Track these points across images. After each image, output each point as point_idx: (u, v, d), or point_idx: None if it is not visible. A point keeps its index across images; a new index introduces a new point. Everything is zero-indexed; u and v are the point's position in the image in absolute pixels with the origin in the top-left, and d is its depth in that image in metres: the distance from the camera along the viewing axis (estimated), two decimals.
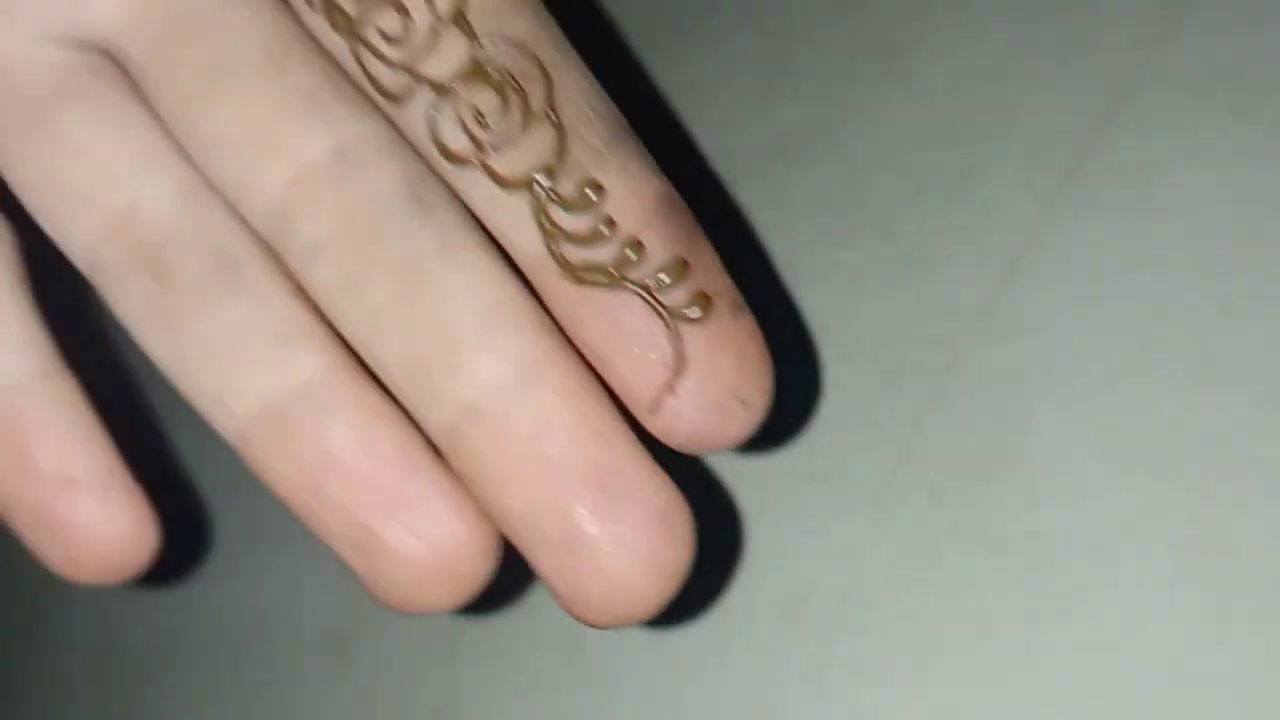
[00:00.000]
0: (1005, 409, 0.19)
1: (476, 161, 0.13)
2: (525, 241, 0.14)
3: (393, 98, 0.14)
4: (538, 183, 0.13)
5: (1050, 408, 0.19)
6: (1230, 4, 0.19)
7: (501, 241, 0.14)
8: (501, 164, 0.13)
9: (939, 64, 0.21)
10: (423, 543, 0.13)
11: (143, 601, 0.26)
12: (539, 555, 0.13)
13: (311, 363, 0.14)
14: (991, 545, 0.19)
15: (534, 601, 0.21)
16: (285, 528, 0.15)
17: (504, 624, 0.21)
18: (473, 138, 0.13)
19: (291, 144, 0.14)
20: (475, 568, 0.13)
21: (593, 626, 0.13)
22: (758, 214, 0.22)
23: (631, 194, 0.13)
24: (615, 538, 0.13)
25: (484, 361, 0.13)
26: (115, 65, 0.14)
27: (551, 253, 0.13)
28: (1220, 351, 0.18)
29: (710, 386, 0.13)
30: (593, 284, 0.13)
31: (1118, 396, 0.18)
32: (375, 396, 0.14)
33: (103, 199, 0.14)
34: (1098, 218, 0.19)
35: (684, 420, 0.13)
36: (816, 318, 0.21)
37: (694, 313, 0.13)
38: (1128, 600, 0.18)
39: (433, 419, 0.13)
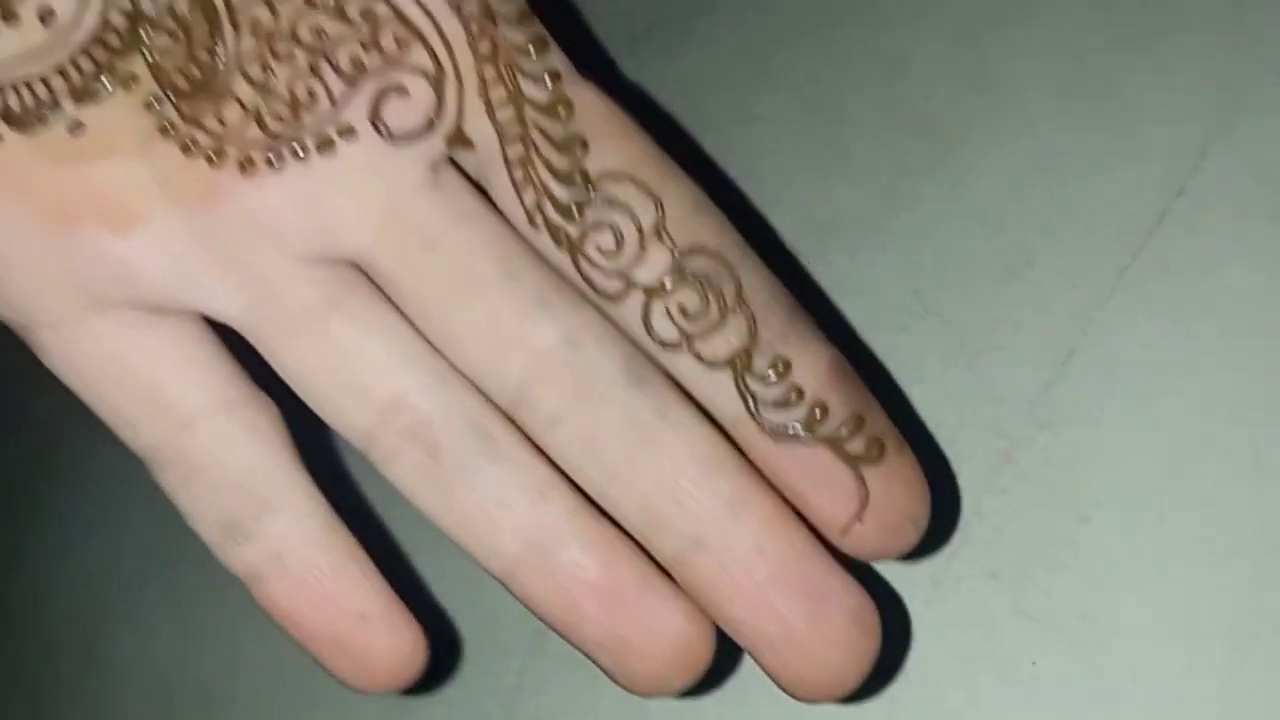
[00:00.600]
0: (1062, 495, 0.20)
1: (685, 348, 0.16)
2: (727, 406, 0.16)
3: (609, 298, 0.16)
4: (737, 363, 0.16)
5: (1105, 496, 0.20)
6: (1278, 112, 0.20)
7: (705, 405, 0.17)
8: (705, 348, 0.16)
9: (992, 156, 0.22)
10: (661, 644, 0.16)
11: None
12: (761, 651, 0.16)
13: (560, 509, 0.17)
14: (1048, 627, 0.19)
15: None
16: None
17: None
18: (680, 330, 0.16)
19: (526, 336, 0.16)
20: (701, 658, 0.17)
21: (806, 703, 0.16)
22: (812, 295, 0.23)
23: (811, 364, 0.16)
24: (824, 636, 0.16)
25: (702, 502, 0.16)
26: (366, 277, 0.17)
27: (753, 417, 0.16)
28: (1268, 447, 0.19)
29: (888, 513, 0.16)
30: (790, 441, 0.16)
31: (1170, 487, 0.19)
32: (613, 532, 0.17)
33: (373, 391, 0.17)
34: (1150, 313, 0.20)
35: (867, 541, 0.16)
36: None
37: (871, 456, 0.16)
38: (1182, 686, 0.18)
39: (664, 549, 0.16)
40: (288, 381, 0.17)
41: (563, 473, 0.17)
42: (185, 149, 0.16)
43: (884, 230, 0.23)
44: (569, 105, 0.16)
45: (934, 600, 0.20)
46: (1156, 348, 0.20)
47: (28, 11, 0.16)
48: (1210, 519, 0.19)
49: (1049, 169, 0.21)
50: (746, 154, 0.25)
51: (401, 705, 0.25)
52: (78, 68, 0.16)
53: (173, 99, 0.16)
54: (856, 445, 0.16)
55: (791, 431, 0.16)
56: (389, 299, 0.17)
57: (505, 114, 0.16)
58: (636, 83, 0.27)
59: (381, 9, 0.16)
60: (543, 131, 0.16)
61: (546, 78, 0.16)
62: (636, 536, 0.17)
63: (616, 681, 0.17)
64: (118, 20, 0.16)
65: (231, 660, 0.31)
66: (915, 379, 0.21)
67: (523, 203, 0.16)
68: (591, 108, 0.16)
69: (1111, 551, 0.19)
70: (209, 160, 0.16)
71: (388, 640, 0.17)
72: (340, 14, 0.16)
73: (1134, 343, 0.20)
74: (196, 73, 0.16)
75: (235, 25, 0.16)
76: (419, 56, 0.16)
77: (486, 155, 0.16)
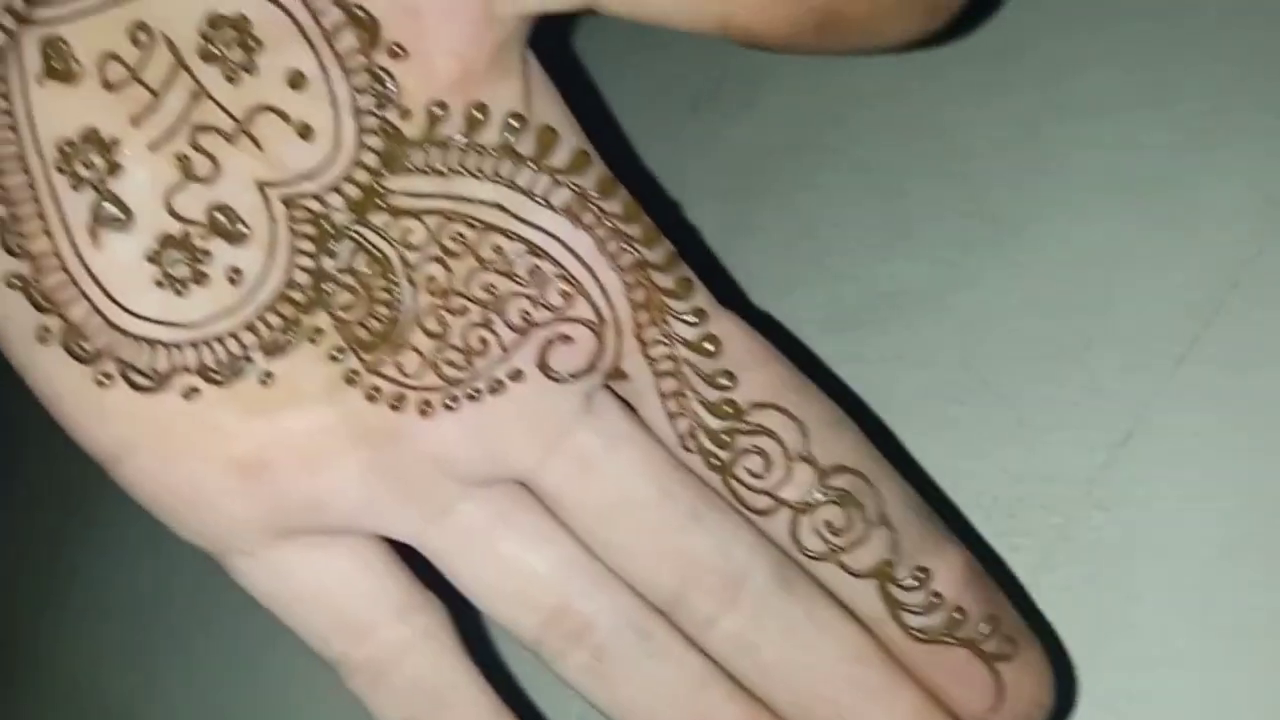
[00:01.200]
0: (1115, 575, 0.20)
1: (831, 560, 0.18)
2: (871, 609, 0.18)
3: (759, 513, 0.18)
4: (880, 573, 0.18)
5: (1157, 577, 0.20)
6: None
7: (850, 606, 0.18)
8: (851, 560, 0.18)
9: (1051, 241, 0.23)
10: None
11: None
12: None
13: (719, 695, 0.18)
14: (1098, 705, 0.20)
15: None
16: None
17: None
18: (827, 543, 0.18)
19: (681, 547, 0.18)
20: None
21: None
22: (872, 365, 0.24)
23: (948, 569, 0.18)
24: None
25: (855, 697, 0.18)
26: (530, 492, 0.18)
27: (898, 622, 0.18)
28: None
29: (1018, 702, 0.18)
30: (932, 642, 0.18)
31: (1219, 574, 0.20)
32: (769, 714, 0.18)
33: (539, 600, 0.18)
34: (1205, 401, 0.21)
35: None
36: (930, 472, 0.22)
37: (1005, 653, 0.18)
38: None
39: None
40: (459, 589, 0.19)
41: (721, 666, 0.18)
42: (370, 397, 0.17)
43: (944, 306, 0.23)
44: (716, 341, 0.18)
45: None
46: (1210, 435, 0.21)
47: (217, 272, 0.17)
48: (1259, 604, 0.20)
49: (1107, 258, 0.22)
50: (808, 222, 0.25)
51: None
52: (266, 323, 0.17)
53: (356, 350, 0.17)
54: (992, 645, 0.18)
55: (934, 636, 0.18)
56: (551, 512, 0.18)
57: (658, 351, 0.17)
58: (697, 145, 0.28)
59: (548, 266, 0.17)
60: (693, 366, 0.17)
61: (694, 317, 0.17)
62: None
63: None
64: (302, 278, 0.17)
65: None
66: (973, 454, 0.22)
67: (675, 430, 0.18)
68: (734, 339, 0.18)
69: (1162, 632, 0.20)
70: (393, 406, 0.17)
71: None
72: (509, 272, 0.17)
73: (1189, 429, 0.21)
74: (377, 325, 0.17)
75: (412, 282, 0.17)
76: (581, 308, 0.17)
77: (640, 385, 0.18)
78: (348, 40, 0.16)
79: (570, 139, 0.17)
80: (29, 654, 0.41)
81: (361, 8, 0.16)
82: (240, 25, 0.16)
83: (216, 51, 0.16)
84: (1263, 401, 0.20)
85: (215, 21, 0.16)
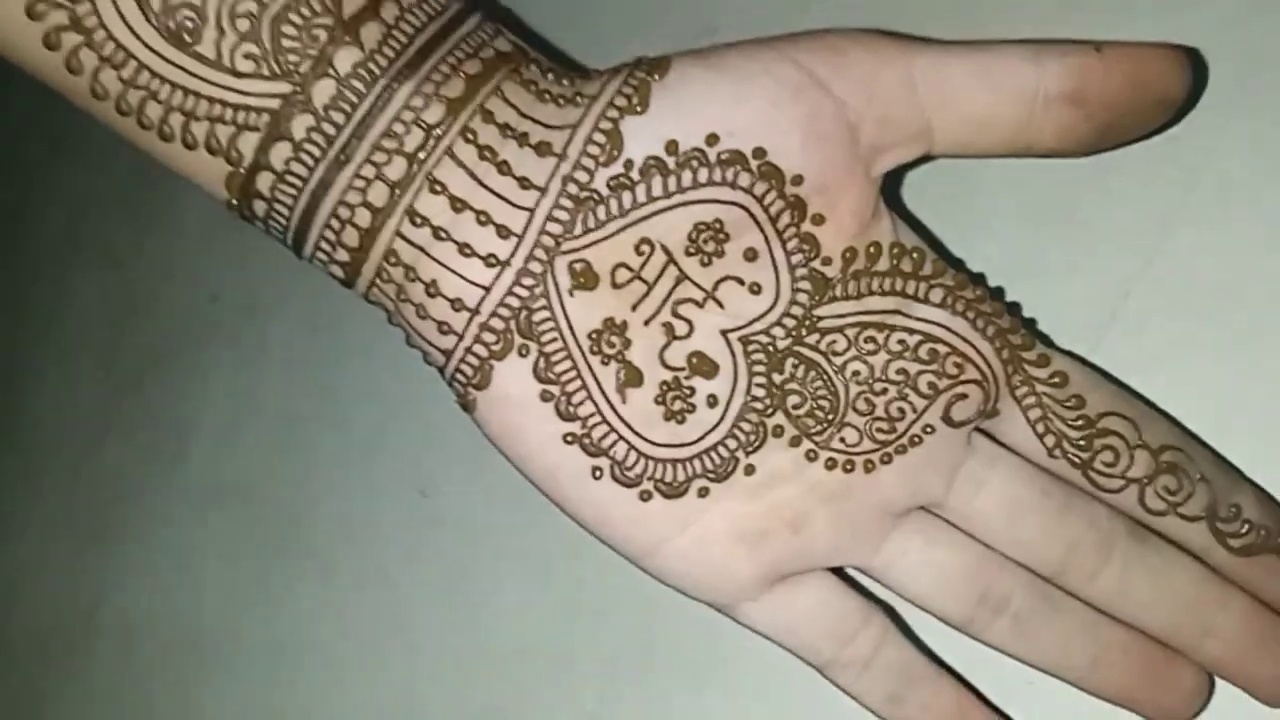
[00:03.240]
0: None
1: (1172, 513, 0.23)
2: (1204, 542, 0.23)
3: (1114, 492, 0.24)
4: (1207, 515, 0.23)
5: None
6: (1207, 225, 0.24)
7: (1185, 545, 0.24)
8: (1186, 509, 0.23)
9: (965, 256, 0.26)
10: (1185, 689, 0.24)
11: None
12: (1251, 686, 0.23)
13: (1111, 635, 0.24)
14: None
15: None
16: None
17: None
18: (1167, 502, 0.23)
19: (1062, 527, 0.24)
20: (1205, 697, 0.24)
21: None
22: None
23: (1251, 501, 0.23)
24: None
25: (1205, 606, 0.23)
26: (928, 512, 0.24)
27: (1226, 547, 0.23)
28: None
29: None
30: (1251, 555, 0.23)
31: None
32: (1145, 637, 0.24)
33: (968, 589, 0.24)
34: None
35: None
36: None
37: None
38: None
39: (1185, 642, 0.23)
40: (899, 594, 0.24)
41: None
42: (828, 467, 0.23)
43: None
44: (1063, 375, 0.23)
45: None
46: None
47: (700, 401, 0.23)
48: None
49: (1015, 272, 0.26)
50: None
51: None
52: (742, 430, 0.23)
53: (809, 436, 0.23)
54: None
55: (1251, 551, 0.23)
56: (951, 524, 0.24)
57: (1022, 390, 0.24)
58: None
59: (942, 348, 0.23)
60: (1050, 397, 0.23)
61: (1042, 361, 0.24)
62: (1162, 637, 0.24)
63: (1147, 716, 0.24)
64: (760, 392, 0.23)
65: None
66: None
67: (1045, 444, 0.24)
68: (1073, 370, 0.24)
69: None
70: (845, 470, 0.23)
71: None
72: (916, 357, 0.23)
73: None
74: (822, 414, 0.23)
75: (843, 378, 0.23)
76: (970, 371, 0.23)
77: (1010, 416, 0.24)
78: (785, 220, 0.23)
79: (929, 252, 0.24)
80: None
81: (795, 195, 0.22)
82: (716, 228, 0.22)
83: (698, 248, 0.23)
84: (1162, 399, 0.25)
85: (700, 228, 0.22)
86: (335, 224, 0.22)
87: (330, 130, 0.22)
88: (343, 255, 0.23)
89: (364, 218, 0.22)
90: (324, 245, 0.23)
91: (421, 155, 0.22)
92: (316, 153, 0.22)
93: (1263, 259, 0.24)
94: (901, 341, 0.23)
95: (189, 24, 0.21)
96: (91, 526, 0.47)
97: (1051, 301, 0.25)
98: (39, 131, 0.55)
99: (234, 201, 0.23)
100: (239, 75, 0.21)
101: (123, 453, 0.46)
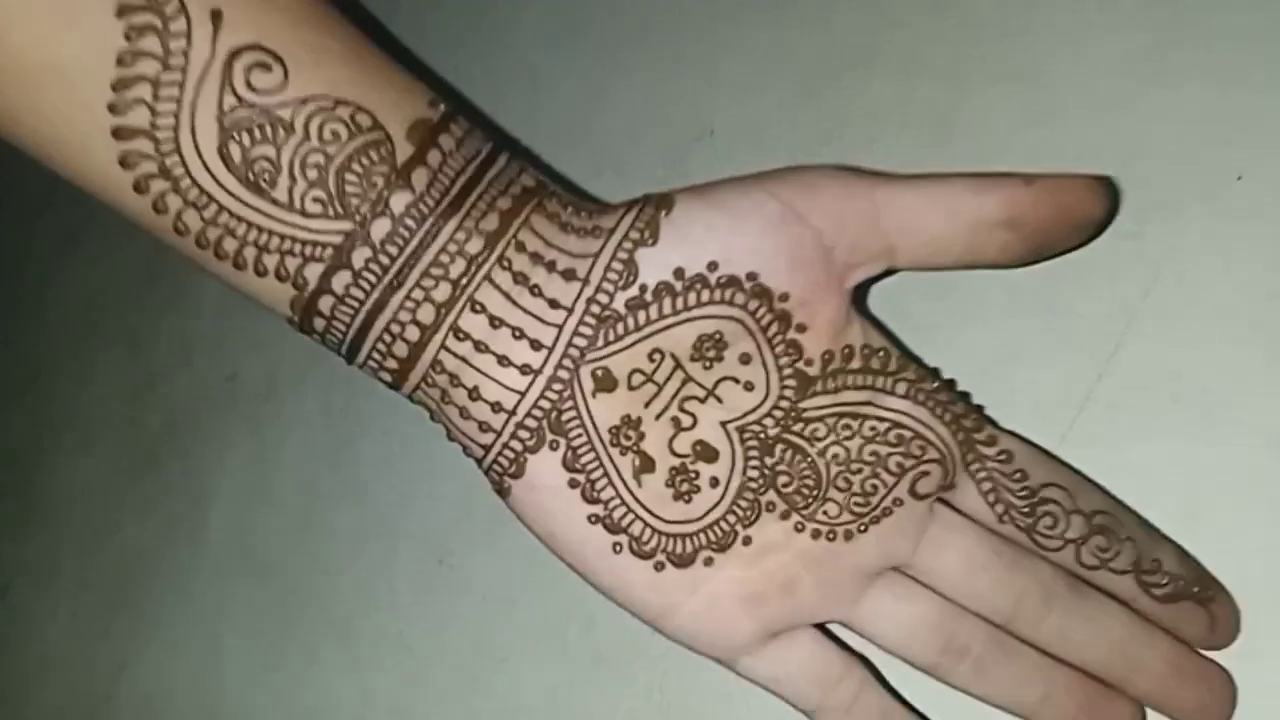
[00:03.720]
0: None
1: (1102, 568, 0.27)
2: (1130, 591, 0.27)
3: (1054, 551, 0.27)
4: (1132, 568, 0.27)
5: None
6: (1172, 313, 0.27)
7: (1114, 594, 0.27)
8: (1115, 564, 0.26)
9: (954, 343, 0.29)
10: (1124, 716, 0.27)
11: None
12: (1179, 714, 0.27)
13: (1060, 675, 0.27)
14: None
15: None
16: None
17: None
18: (1098, 558, 0.27)
19: (1012, 581, 0.27)
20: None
21: None
22: None
23: (1170, 557, 0.27)
24: (1215, 697, 0.26)
25: (1133, 646, 0.26)
26: (896, 571, 0.28)
27: (1149, 595, 0.27)
28: None
29: (1221, 620, 0.27)
30: (1171, 601, 0.26)
31: None
32: (1083, 676, 0.27)
33: (934, 638, 0.27)
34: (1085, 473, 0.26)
35: (1216, 639, 0.27)
36: None
37: (1211, 597, 0.26)
38: None
39: (1116, 676, 0.26)
40: (875, 643, 0.27)
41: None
42: (814, 536, 0.27)
43: None
44: (1010, 453, 0.27)
45: None
46: None
47: (704, 483, 0.27)
48: None
49: (998, 357, 0.28)
50: None
51: None
52: (740, 506, 0.27)
53: (797, 510, 0.27)
54: (1204, 595, 0.26)
55: (1171, 598, 0.26)
56: (916, 580, 0.27)
57: (975, 466, 0.27)
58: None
59: (907, 433, 0.27)
60: (999, 471, 0.27)
61: (991, 440, 0.27)
62: (1099, 674, 0.27)
63: None
64: (754, 474, 0.27)
65: None
66: None
67: (994, 511, 0.27)
68: (1017, 447, 0.27)
69: None
70: (828, 539, 0.27)
71: None
72: (885, 441, 0.27)
73: None
74: (807, 491, 0.27)
75: (824, 459, 0.27)
76: (931, 451, 0.27)
77: (964, 488, 0.27)
78: (774, 329, 0.26)
79: (894, 350, 0.27)
80: None
81: (783, 309, 0.26)
82: (716, 338, 0.26)
83: (701, 355, 0.26)
84: (1133, 472, 0.27)
85: (703, 339, 0.26)
86: (387, 338, 0.26)
87: (386, 261, 0.25)
88: (392, 364, 0.26)
89: (413, 333, 0.26)
90: (375, 355, 0.26)
91: (464, 281, 0.25)
92: (373, 279, 0.25)
93: (1217, 345, 0.27)
94: (873, 428, 0.27)
95: (266, 175, 0.24)
96: (110, 601, 0.48)
97: (1031, 383, 0.28)
98: (56, 216, 0.58)
99: (295, 319, 0.26)
100: (308, 215, 0.25)
101: (142, 529, 0.47)
